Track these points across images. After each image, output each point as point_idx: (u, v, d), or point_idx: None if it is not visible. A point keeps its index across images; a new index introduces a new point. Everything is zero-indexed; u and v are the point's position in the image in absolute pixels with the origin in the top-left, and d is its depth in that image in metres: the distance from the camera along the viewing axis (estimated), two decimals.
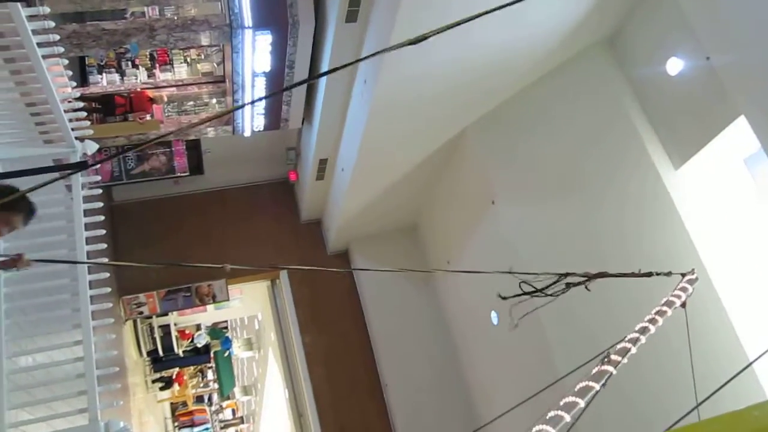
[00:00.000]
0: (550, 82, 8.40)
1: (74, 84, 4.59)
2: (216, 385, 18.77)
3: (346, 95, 9.22)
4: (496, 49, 7.67)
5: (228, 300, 12.57)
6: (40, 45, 3.95)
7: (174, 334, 13.72)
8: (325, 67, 8.99)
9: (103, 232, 4.28)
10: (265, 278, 13.21)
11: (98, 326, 3.99)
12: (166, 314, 12.85)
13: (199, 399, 18.88)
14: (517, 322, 4.68)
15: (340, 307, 12.33)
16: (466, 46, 7.39)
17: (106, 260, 4.17)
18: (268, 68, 9.33)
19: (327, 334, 12.04)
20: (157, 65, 11.58)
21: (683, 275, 4.77)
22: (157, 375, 14.87)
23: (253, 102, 10.34)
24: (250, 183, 13.04)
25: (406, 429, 11.33)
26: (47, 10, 4.05)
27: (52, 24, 4.02)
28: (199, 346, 15.66)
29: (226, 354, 17.21)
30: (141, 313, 11.77)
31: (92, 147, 4.51)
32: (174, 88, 11.19)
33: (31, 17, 3.91)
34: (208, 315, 16.12)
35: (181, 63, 11.84)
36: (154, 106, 10.14)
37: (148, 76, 11.25)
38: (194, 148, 11.53)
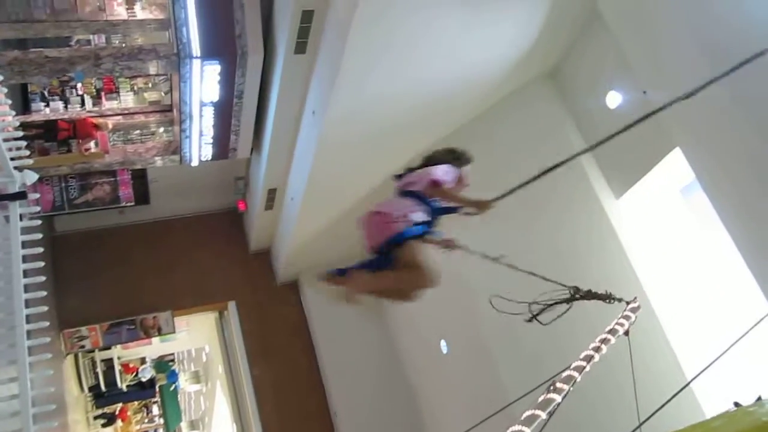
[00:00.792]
0: (495, 114, 8.59)
1: (14, 113, 4.48)
2: (162, 420, 18.26)
3: (295, 125, 9.24)
4: (440, 84, 7.84)
5: (174, 332, 12.30)
6: None
7: (117, 368, 13.37)
8: (274, 97, 9.01)
9: (42, 264, 4.17)
10: (213, 309, 13.01)
11: (36, 362, 3.86)
12: (109, 348, 12.50)
13: None
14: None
15: (290, 338, 12.20)
16: (411, 80, 7.55)
17: (44, 293, 4.05)
18: (216, 98, 9.30)
19: (276, 366, 11.88)
20: (103, 93, 11.39)
21: (627, 303, 4.91)
22: (100, 411, 14.39)
23: None
24: (198, 213, 12.87)
25: None
26: None
27: None
28: (143, 380, 15.26)
29: (172, 388, 16.80)
30: (83, 347, 11.42)
31: (32, 177, 4.40)
32: (120, 117, 11.02)
33: None
34: (154, 348, 15.72)
35: (128, 91, 11.66)
36: (99, 132, 9.95)
37: (94, 104, 11.05)
38: (140, 177, 11.33)
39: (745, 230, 6.07)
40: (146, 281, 11.74)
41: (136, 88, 11.45)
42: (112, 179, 10.80)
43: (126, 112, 11.12)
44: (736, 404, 2.84)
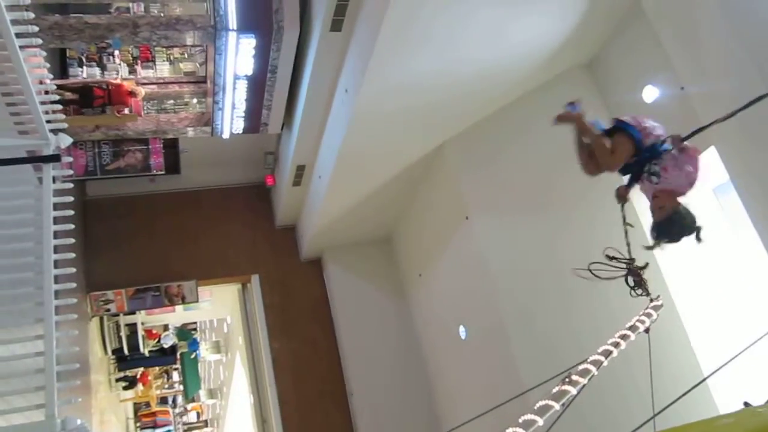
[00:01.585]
0: (529, 102, 8.50)
1: (51, 77, 4.55)
2: (181, 387, 18.60)
3: (326, 103, 9.25)
4: (479, 67, 7.76)
5: (197, 301, 12.47)
6: (18, 35, 3.92)
7: (141, 333, 13.59)
8: (307, 73, 9.02)
9: (72, 226, 4.23)
10: (237, 281, 13.14)
11: (61, 321, 3.94)
12: (133, 313, 12.71)
13: (163, 400, 18.70)
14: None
15: (311, 314, 12.30)
16: (450, 61, 7.48)
17: (72, 255, 4.12)
18: (250, 72, 9.33)
19: (295, 341, 12.00)
20: (140, 61, 11.49)
21: (650, 300, 4.87)
22: (122, 374, 14.70)
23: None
24: (226, 185, 12.98)
25: None
26: (28, 0, 4.03)
27: (32, 15, 3.99)
28: (165, 346, 15.51)
29: (192, 356, 17.06)
30: (108, 310, 11.63)
31: (66, 140, 4.46)
32: (155, 86, 11.12)
33: (11, 6, 3.89)
34: (177, 315, 15.98)
35: (164, 61, 11.77)
36: (133, 99, 10.06)
37: (130, 72, 11.17)
38: (171, 146, 11.45)
39: None
40: (172, 250, 11.89)
41: (171, 58, 11.54)
42: (144, 147, 10.93)
43: (161, 81, 11.22)
44: (746, 404, 2.82)
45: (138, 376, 15.61)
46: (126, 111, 9.91)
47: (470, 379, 9.93)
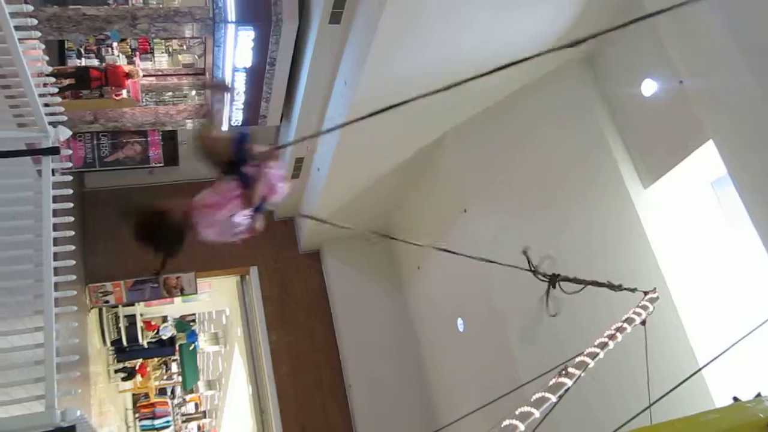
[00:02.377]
0: (529, 95, 8.51)
1: (50, 69, 4.56)
2: (179, 378, 18.63)
3: (325, 95, 9.24)
4: (478, 57, 7.75)
5: (196, 293, 12.50)
6: (17, 28, 3.92)
7: (139, 324, 13.61)
8: (306, 65, 9.01)
9: (72, 219, 4.25)
10: (235, 273, 13.17)
11: (61, 313, 3.96)
12: (132, 304, 12.73)
13: (162, 391, 18.71)
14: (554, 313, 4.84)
15: (309, 306, 12.33)
16: (449, 53, 7.47)
17: (72, 247, 4.14)
18: (249, 64, 9.32)
19: (294, 333, 12.03)
20: (138, 53, 11.48)
21: (645, 293, 4.90)
22: (120, 365, 14.73)
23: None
24: None
25: (368, 430, 11.37)
26: None
27: (31, 8, 4.00)
28: (164, 338, 15.55)
29: (191, 347, 17.12)
30: (107, 302, 11.65)
31: (65, 133, 4.48)
32: (153, 78, 11.11)
33: None
34: (176, 307, 16.02)
35: (162, 53, 11.76)
36: (130, 81, 10.02)
37: (128, 64, 11.15)
38: (170, 138, 11.44)
39: None
40: None
41: (170, 49, 11.53)
42: (143, 139, 10.92)
43: (159, 73, 11.21)
44: (735, 399, 2.85)
45: (137, 368, 15.64)
46: (123, 93, 9.83)
47: (468, 371, 9.98)
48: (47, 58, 4.37)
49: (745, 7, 5.40)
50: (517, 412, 3.04)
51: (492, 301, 8.75)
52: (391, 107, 3.48)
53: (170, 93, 11.17)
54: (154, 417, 16.95)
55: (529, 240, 8.32)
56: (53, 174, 4.28)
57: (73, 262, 4.16)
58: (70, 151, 4.57)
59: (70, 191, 4.30)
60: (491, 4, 6.86)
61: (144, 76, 10.83)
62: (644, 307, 4.63)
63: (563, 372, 3.53)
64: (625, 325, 4.30)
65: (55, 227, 4.13)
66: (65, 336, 4.12)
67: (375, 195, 10.78)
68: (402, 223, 11.78)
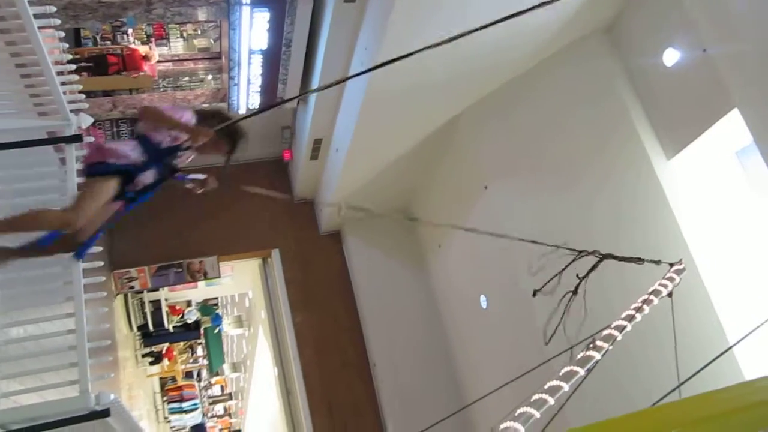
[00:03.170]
0: (547, 69, 8.40)
1: (69, 57, 4.57)
2: (205, 362, 18.90)
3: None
4: (491, 37, 7.63)
5: (219, 277, 12.60)
6: (36, 16, 3.94)
7: (164, 309, 13.80)
8: (322, 46, 8.97)
9: None
10: (257, 256, 13.24)
11: (90, 299, 4.01)
12: (156, 290, 12.89)
13: (188, 375, 19.02)
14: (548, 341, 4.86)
15: (331, 287, 12.38)
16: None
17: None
18: (265, 46, 9.30)
19: (317, 314, 12.10)
20: (153, 39, 11.50)
21: (671, 265, 4.85)
22: (147, 350, 14.97)
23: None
24: (244, 161, 12.97)
25: (393, 408, 11.45)
26: None
27: None
28: (189, 322, 15.75)
29: (216, 331, 17.32)
30: (132, 288, 11.80)
31: (87, 120, 4.51)
32: (170, 63, 11.13)
33: None
34: (199, 291, 16.18)
35: (178, 38, 11.76)
36: (147, 63, 10.07)
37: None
38: None
39: None
40: (193, 227, 11.98)
41: (185, 34, 11.54)
42: None
43: (175, 58, 11.22)
44: None
45: (163, 352, 15.89)
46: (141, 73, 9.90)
47: (492, 347, 9.99)
48: (66, 45, 4.39)
49: None
50: (546, 386, 3.04)
51: (514, 277, 8.72)
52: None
53: (187, 78, 11.20)
54: (182, 400, 17.24)
55: (552, 215, 8.32)
56: (76, 161, 4.31)
57: (100, 248, 4.21)
58: (93, 138, 4.59)
59: None
60: None
61: (160, 62, 10.86)
62: (671, 279, 4.59)
63: (591, 345, 3.52)
64: (652, 297, 4.26)
65: None
66: (95, 322, 4.17)
67: (395, 174, 10.76)
68: (423, 201, 11.76)
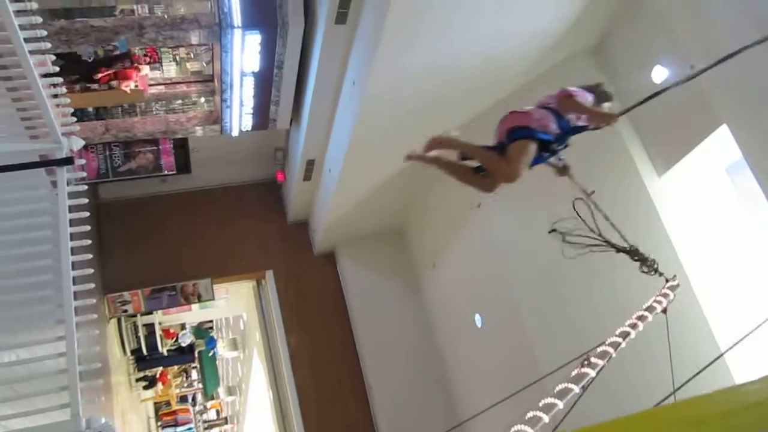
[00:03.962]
0: (536, 89, 8.44)
1: (61, 80, 4.58)
2: (200, 385, 18.72)
3: (334, 96, 9.25)
4: (482, 56, 7.74)
5: (213, 299, 12.56)
6: (27, 40, 3.95)
7: (158, 332, 13.71)
8: (314, 67, 9.02)
9: (88, 228, 4.27)
10: (251, 278, 13.21)
11: (82, 322, 3.98)
12: (150, 313, 12.81)
13: (183, 399, 18.82)
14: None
15: (326, 308, 12.35)
16: (452, 52, 7.47)
17: (90, 256, 4.17)
18: (257, 68, 9.36)
19: (312, 336, 12.05)
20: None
21: (666, 281, 4.86)
22: (141, 374, 14.83)
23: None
24: (237, 183, 13.03)
25: (390, 430, 11.36)
26: (35, 5, 4.05)
27: (40, 20, 4.02)
28: (183, 345, 15.65)
29: (210, 354, 17.19)
30: (125, 311, 11.73)
31: (78, 143, 4.50)
32: (162, 86, 11.16)
33: (18, 12, 3.91)
34: (193, 314, 16.09)
35: (170, 61, 11.79)
36: (138, 75, 10.06)
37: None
38: (181, 146, 11.49)
39: None
40: (187, 249, 11.96)
41: (178, 58, 11.56)
42: (155, 148, 10.98)
43: (168, 82, 11.25)
44: None
45: (157, 376, 15.74)
46: (131, 85, 9.84)
47: (487, 366, 9.94)
48: (57, 69, 4.39)
49: None
50: (540, 404, 3.02)
51: (509, 295, 8.71)
52: None
53: (179, 101, 11.22)
54: (176, 424, 17.06)
55: (544, 231, 8.30)
56: (68, 184, 4.30)
57: (92, 270, 4.18)
58: (84, 161, 4.59)
59: (86, 201, 4.32)
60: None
61: (152, 85, 10.88)
62: (665, 295, 4.60)
63: (585, 362, 3.51)
64: (646, 313, 4.26)
65: (72, 237, 4.15)
66: (87, 345, 4.14)
67: (388, 194, 10.78)
68: (417, 221, 11.77)
